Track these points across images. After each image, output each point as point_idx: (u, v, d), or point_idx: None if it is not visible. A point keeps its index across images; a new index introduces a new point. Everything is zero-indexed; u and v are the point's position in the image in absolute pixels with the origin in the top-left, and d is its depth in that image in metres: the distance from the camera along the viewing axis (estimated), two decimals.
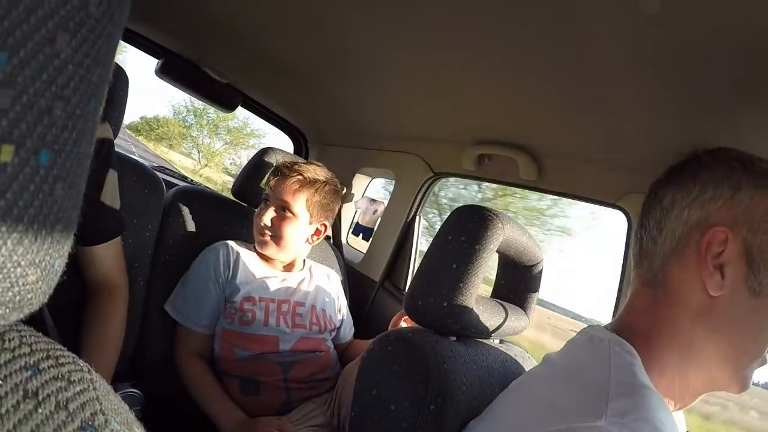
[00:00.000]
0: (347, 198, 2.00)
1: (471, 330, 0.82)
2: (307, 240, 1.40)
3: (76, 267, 1.06)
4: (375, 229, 1.87)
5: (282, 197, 1.32)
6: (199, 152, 28.41)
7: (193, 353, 1.28)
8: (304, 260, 1.48)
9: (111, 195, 1.06)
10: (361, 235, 1.94)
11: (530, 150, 1.26)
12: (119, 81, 1.31)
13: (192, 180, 2.38)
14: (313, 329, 1.35)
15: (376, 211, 1.89)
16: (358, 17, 1.00)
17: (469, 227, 0.79)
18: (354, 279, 1.77)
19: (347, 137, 1.92)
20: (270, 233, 1.34)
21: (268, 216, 1.33)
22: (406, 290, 0.83)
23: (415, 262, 1.71)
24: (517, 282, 0.98)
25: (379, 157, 1.84)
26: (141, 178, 1.34)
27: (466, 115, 1.30)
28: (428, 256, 0.82)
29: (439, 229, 0.83)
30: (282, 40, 1.30)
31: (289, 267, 1.42)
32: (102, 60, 0.25)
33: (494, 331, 0.89)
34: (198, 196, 1.48)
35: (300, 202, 1.33)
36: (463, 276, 0.77)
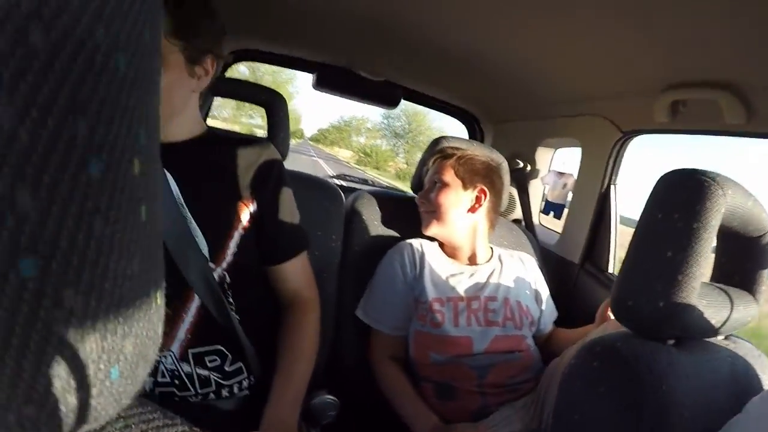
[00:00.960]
0: (533, 175, 1.83)
1: (694, 330, 0.67)
2: (470, 209, 1.32)
3: (266, 285, 1.13)
4: (567, 205, 1.67)
5: (432, 176, 1.36)
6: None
7: (387, 356, 1.29)
8: (492, 250, 1.40)
9: (289, 212, 1.10)
10: (552, 213, 1.76)
11: (736, 88, 0.97)
12: (277, 104, 1.42)
13: (374, 182, 2.44)
14: (508, 325, 1.25)
15: (565, 185, 1.69)
16: None
17: (682, 199, 0.64)
18: (551, 263, 1.61)
19: (523, 110, 1.75)
20: (426, 209, 1.34)
21: (426, 193, 1.35)
22: (612, 290, 0.70)
23: (616, 238, 1.47)
24: (742, 259, 0.77)
25: (560, 125, 1.64)
26: (319, 191, 1.40)
27: (653, 56, 1.05)
28: (634, 244, 0.68)
29: (645, 206, 0.68)
30: (436, 26, 1.24)
31: (474, 259, 1.35)
32: None
33: (720, 327, 0.70)
34: (377, 199, 1.50)
35: (448, 172, 1.33)
36: (681, 266, 0.62)
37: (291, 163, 1.26)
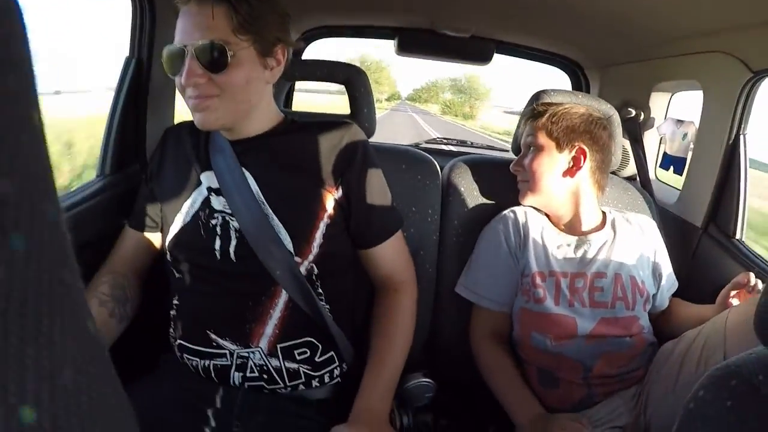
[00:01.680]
0: (647, 124, 1.60)
1: None
2: (566, 171, 1.18)
3: (358, 268, 1.10)
4: (688, 158, 1.44)
5: (525, 139, 1.24)
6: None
7: (490, 335, 1.21)
8: (604, 215, 1.24)
9: (379, 193, 1.05)
10: (672, 167, 1.54)
11: None
12: (357, 79, 1.36)
13: (472, 143, 2.27)
14: (618, 306, 1.11)
15: (686, 135, 1.46)
16: None
17: None
18: (670, 224, 1.41)
19: (631, 50, 1.52)
20: (521, 178, 1.22)
21: (520, 161, 1.23)
22: (757, 306, 0.58)
23: (746, 199, 1.25)
24: None
25: (677, 65, 1.40)
26: (413, 165, 1.33)
27: None
28: None
29: None
30: None
31: (581, 228, 1.21)
32: None
33: None
34: (476, 167, 1.38)
35: (540, 134, 1.20)
36: None
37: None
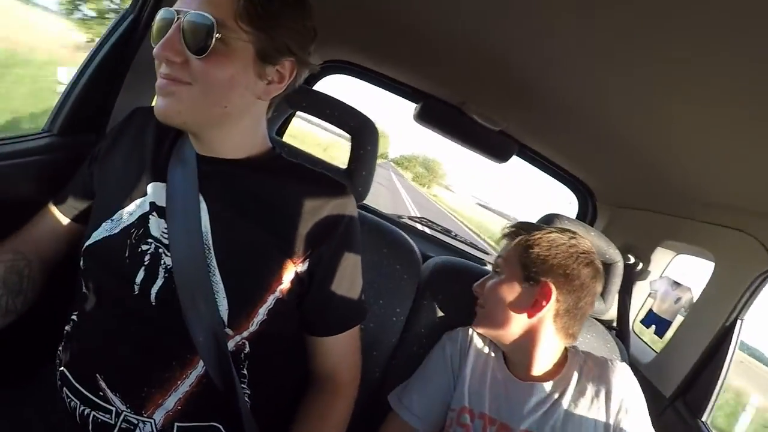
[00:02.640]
0: (642, 275, 1.56)
1: None
2: (525, 309, 1.01)
3: (292, 354, 0.94)
4: (675, 323, 1.39)
5: (497, 258, 1.11)
6: None
7: None
8: (567, 358, 1.06)
9: (350, 280, 0.90)
10: (654, 327, 1.48)
11: None
12: (367, 133, 1.24)
13: (456, 235, 2.08)
14: None
15: (679, 300, 1.41)
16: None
17: None
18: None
19: (649, 199, 1.50)
20: (480, 302, 1.10)
21: (481, 282, 1.11)
22: None
23: (723, 383, 1.18)
24: None
25: (692, 229, 1.37)
26: (394, 251, 1.20)
27: None
28: None
29: None
30: (567, 82, 1.06)
31: (530, 373, 1.04)
32: None
33: None
34: (459, 273, 1.26)
35: (511, 257, 1.06)
36: None
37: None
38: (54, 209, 0.93)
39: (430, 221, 2.14)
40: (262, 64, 0.77)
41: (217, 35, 0.71)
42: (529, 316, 1.02)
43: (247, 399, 0.83)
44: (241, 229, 0.81)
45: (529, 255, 1.03)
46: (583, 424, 0.96)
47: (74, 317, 0.85)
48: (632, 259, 1.55)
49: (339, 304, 0.89)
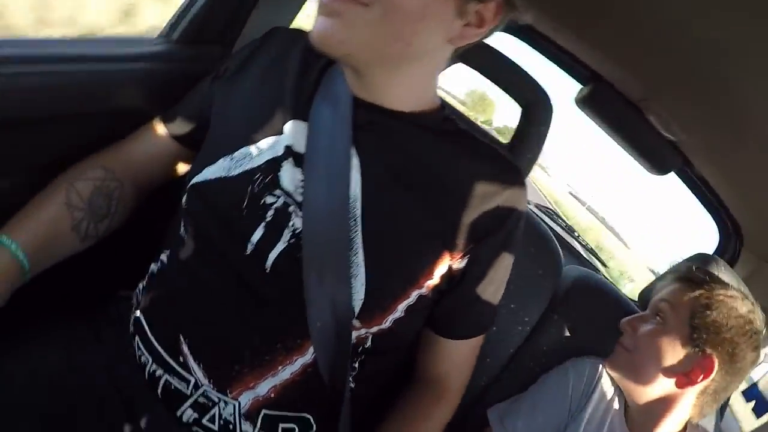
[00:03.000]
0: (765, 343, 1.40)
1: None
2: (679, 376, 0.92)
3: (408, 350, 0.85)
4: None
5: (656, 301, 0.99)
6: None
7: None
8: (686, 429, 0.97)
9: (498, 283, 0.80)
10: (754, 403, 1.34)
11: None
12: (542, 110, 1.10)
13: (579, 236, 1.85)
14: None
15: None
16: None
17: None
18: None
19: None
20: (625, 342, 0.99)
21: (632, 320, 0.99)
22: None
23: None
24: None
25: None
26: (540, 253, 1.09)
27: None
28: None
29: None
30: None
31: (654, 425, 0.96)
32: None
33: None
34: (604, 295, 1.15)
35: (680, 309, 0.94)
36: None
37: None
38: (160, 126, 0.83)
39: (557, 215, 1.94)
40: (471, 1, 0.62)
41: None
42: (678, 385, 0.92)
43: (349, 394, 0.73)
44: (401, 202, 0.68)
45: (705, 317, 0.91)
46: None
47: (164, 258, 0.75)
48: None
49: (479, 308, 0.79)
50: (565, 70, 1.45)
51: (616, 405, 1.00)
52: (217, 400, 0.69)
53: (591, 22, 1.16)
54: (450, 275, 0.72)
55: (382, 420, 0.82)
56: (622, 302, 1.18)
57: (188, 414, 0.70)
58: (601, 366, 1.03)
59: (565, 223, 1.91)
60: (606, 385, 1.01)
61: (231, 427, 0.70)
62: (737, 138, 1.13)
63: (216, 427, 0.70)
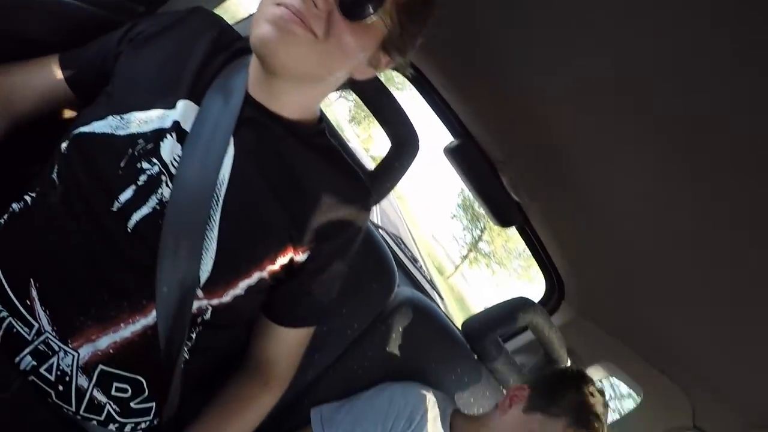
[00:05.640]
0: None
1: None
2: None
3: (243, 332, 0.92)
4: None
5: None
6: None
7: None
8: None
9: (332, 284, 0.89)
10: None
11: None
12: (409, 150, 1.23)
13: (422, 267, 2.07)
14: None
15: None
16: None
17: None
18: None
19: (613, 324, 1.60)
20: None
21: None
22: None
23: None
24: None
25: (636, 363, 1.48)
26: (376, 270, 1.21)
27: None
28: None
29: None
30: (611, 189, 1.09)
31: None
32: None
33: None
34: (428, 317, 1.29)
35: None
36: None
37: None
38: (56, 65, 0.82)
39: (404, 243, 2.13)
40: (381, 51, 0.74)
41: (376, 13, 0.66)
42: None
43: (182, 365, 0.78)
44: (261, 194, 0.75)
45: None
46: None
47: (28, 199, 0.75)
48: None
49: (310, 302, 0.88)
50: (442, 121, 1.65)
51: (445, 430, 1.12)
52: (57, 349, 0.71)
53: (472, 83, 1.37)
54: (290, 266, 0.80)
55: (210, 398, 0.87)
56: (447, 328, 1.34)
57: (27, 361, 0.71)
58: (426, 393, 1.14)
59: (411, 252, 2.10)
60: (431, 414, 1.11)
61: (67, 378, 0.72)
62: (570, 213, 1.42)
63: (53, 378, 0.72)
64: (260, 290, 0.79)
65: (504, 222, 1.72)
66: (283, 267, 0.78)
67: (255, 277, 0.76)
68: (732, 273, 0.90)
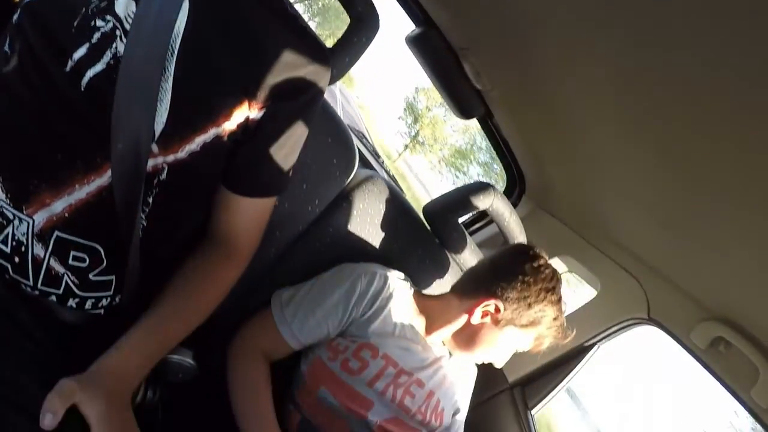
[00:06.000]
0: None
1: None
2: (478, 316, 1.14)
3: (204, 207, 0.89)
4: None
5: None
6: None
7: (262, 353, 1.07)
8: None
9: (290, 149, 0.87)
10: None
11: None
12: (369, 26, 1.17)
13: (383, 162, 2.08)
14: (416, 417, 1.10)
15: None
16: None
17: None
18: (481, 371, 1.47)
19: (570, 216, 1.60)
20: None
21: None
22: None
23: (560, 391, 1.37)
24: None
25: (594, 258, 1.50)
26: (337, 146, 1.19)
27: (728, 279, 0.99)
28: None
29: None
30: (572, 77, 1.04)
31: (432, 337, 1.18)
32: None
33: None
34: (388, 196, 1.28)
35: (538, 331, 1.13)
36: None
37: None
38: None
39: (367, 139, 2.09)
40: None
41: None
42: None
43: (140, 233, 0.77)
44: (215, 46, 0.74)
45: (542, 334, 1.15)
46: (456, 385, 1.19)
47: None
48: None
49: (270, 168, 0.86)
50: (403, 7, 1.53)
51: (406, 308, 1.14)
52: (12, 217, 0.69)
53: None
54: (246, 124, 0.78)
55: (172, 274, 0.86)
56: (409, 210, 1.35)
57: None
58: (388, 273, 1.14)
59: (373, 147, 2.08)
60: (393, 294, 1.12)
61: (23, 249, 0.70)
62: (533, 101, 1.34)
63: (8, 249, 0.70)
64: (216, 153, 0.78)
65: (465, 113, 1.64)
66: (240, 126, 0.77)
67: (211, 133, 0.75)
68: (683, 168, 0.88)
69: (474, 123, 1.77)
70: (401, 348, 1.10)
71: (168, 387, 0.90)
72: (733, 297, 1.01)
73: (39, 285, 0.73)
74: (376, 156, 2.10)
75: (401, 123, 32.68)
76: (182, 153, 0.74)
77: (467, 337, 1.14)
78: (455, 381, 1.19)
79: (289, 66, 0.79)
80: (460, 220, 1.38)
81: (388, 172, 2.06)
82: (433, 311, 1.17)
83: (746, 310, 0.99)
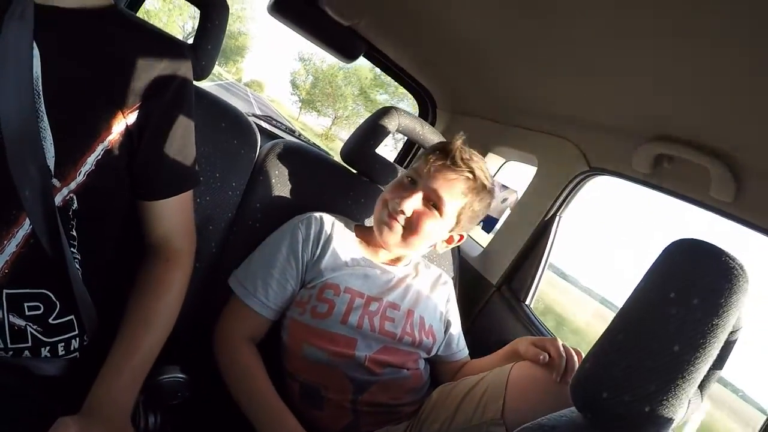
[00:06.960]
0: None
1: None
2: (434, 245, 1.17)
3: (127, 220, 0.90)
4: (500, 221, 1.56)
5: (439, 190, 1.09)
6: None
7: (245, 338, 1.06)
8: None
9: (181, 142, 0.89)
10: (481, 224, 1.65)
11: (729, 160, 0.91)
12: (216, 8, 1.14)
13: (300, 135, 2.11)
14: (405, 340, 1.08)
15: (505, 200, 1.59)
16: None
17: (706, 284, 0.52)
18: (466, 276, 1.49)
19: (486, 108, 1.60)
20: (402, 223, 1.10)
21: (412, 203, 1.08)
22: (577, 371, 0.59)
23: (542, 273, 1.39)
24: None
25: (522, 136, 1.51)
26: (232, 126, 1.17)
27: (646, 99, 0.98)
28: (623, 322, 0.56)
29: (647, 277, 0.56)
30: None
31: (392, 261, 1.18)
32: None
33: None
34: (300, 155, 1.28)
35: (455, 206, 1.11)
36: (687, 367, 0.51)
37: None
38: None
39: (276, 120, 2.06)
40: None
41: None
42: (433, 248, 1.18)
43: (78, 267, 0.81)
44: (73, 74, 0.76)
45: (472, 212, 1.15)
46: (433, 297, 1.19)
47: None
48: None
49: (169, 167, 0.88)
50: None
51: (350, 238, 1.16)
52: None
53: None
54: (128, 131, 0.81)
55: (127, 295, 0.87)
56: (325, 159, 1.35)
57: None
58: (324, 215, 1.15)
59: (287, 126, 2.07)
60: (336, 230, 1.14)
61: None
62: (401, 14, 1.32)
63: None
64: (113, 165, 0.81)
65: (351, 55, 1.61)
66: (123, 134, 0.80)
67: (99, 149, 0.78)
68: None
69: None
70: (360, 277, 1.10)
71: (168, 410, 0.90)
72: (659, 112, 1.01)
73: (9, 344, 0.76)
74: (291, 132, 2.09)
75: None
76: (81, 177, 0.77)
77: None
78: (431, 296, 1.19)
79: (147, 67, 0.81)
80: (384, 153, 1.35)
81: (307, 142, 2.03)
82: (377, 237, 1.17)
83: (674, 120, 0.99)
